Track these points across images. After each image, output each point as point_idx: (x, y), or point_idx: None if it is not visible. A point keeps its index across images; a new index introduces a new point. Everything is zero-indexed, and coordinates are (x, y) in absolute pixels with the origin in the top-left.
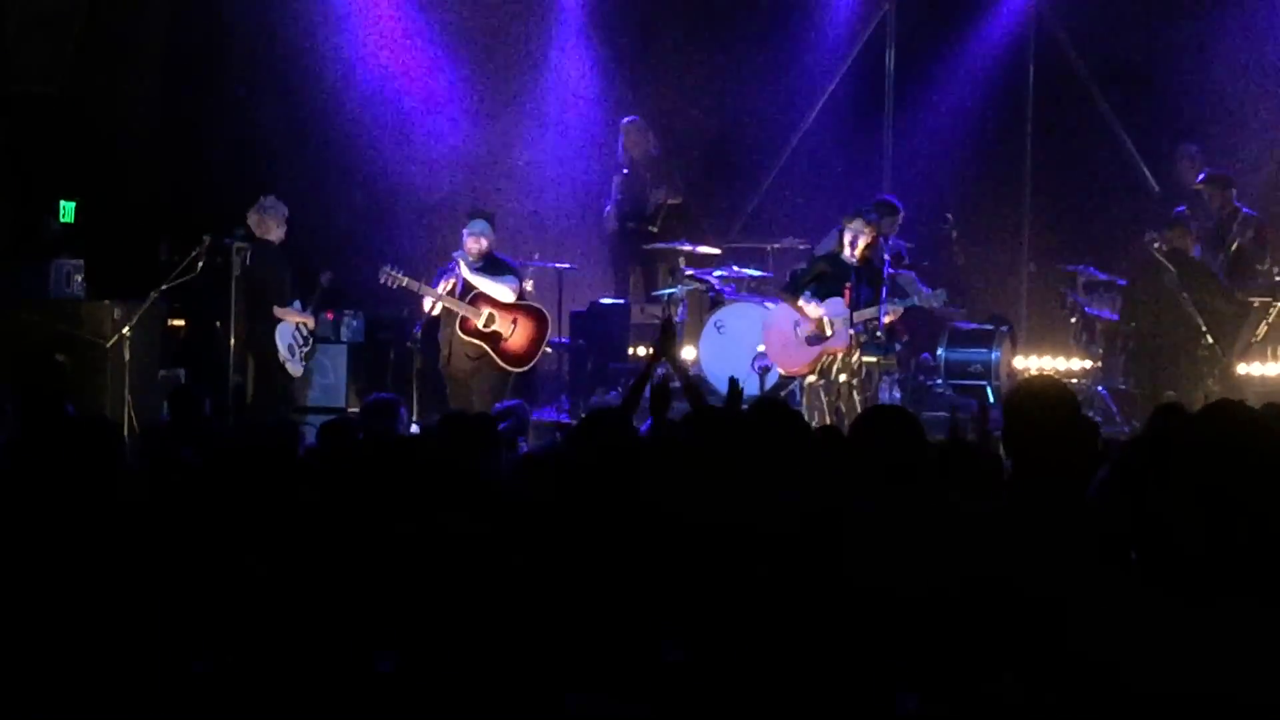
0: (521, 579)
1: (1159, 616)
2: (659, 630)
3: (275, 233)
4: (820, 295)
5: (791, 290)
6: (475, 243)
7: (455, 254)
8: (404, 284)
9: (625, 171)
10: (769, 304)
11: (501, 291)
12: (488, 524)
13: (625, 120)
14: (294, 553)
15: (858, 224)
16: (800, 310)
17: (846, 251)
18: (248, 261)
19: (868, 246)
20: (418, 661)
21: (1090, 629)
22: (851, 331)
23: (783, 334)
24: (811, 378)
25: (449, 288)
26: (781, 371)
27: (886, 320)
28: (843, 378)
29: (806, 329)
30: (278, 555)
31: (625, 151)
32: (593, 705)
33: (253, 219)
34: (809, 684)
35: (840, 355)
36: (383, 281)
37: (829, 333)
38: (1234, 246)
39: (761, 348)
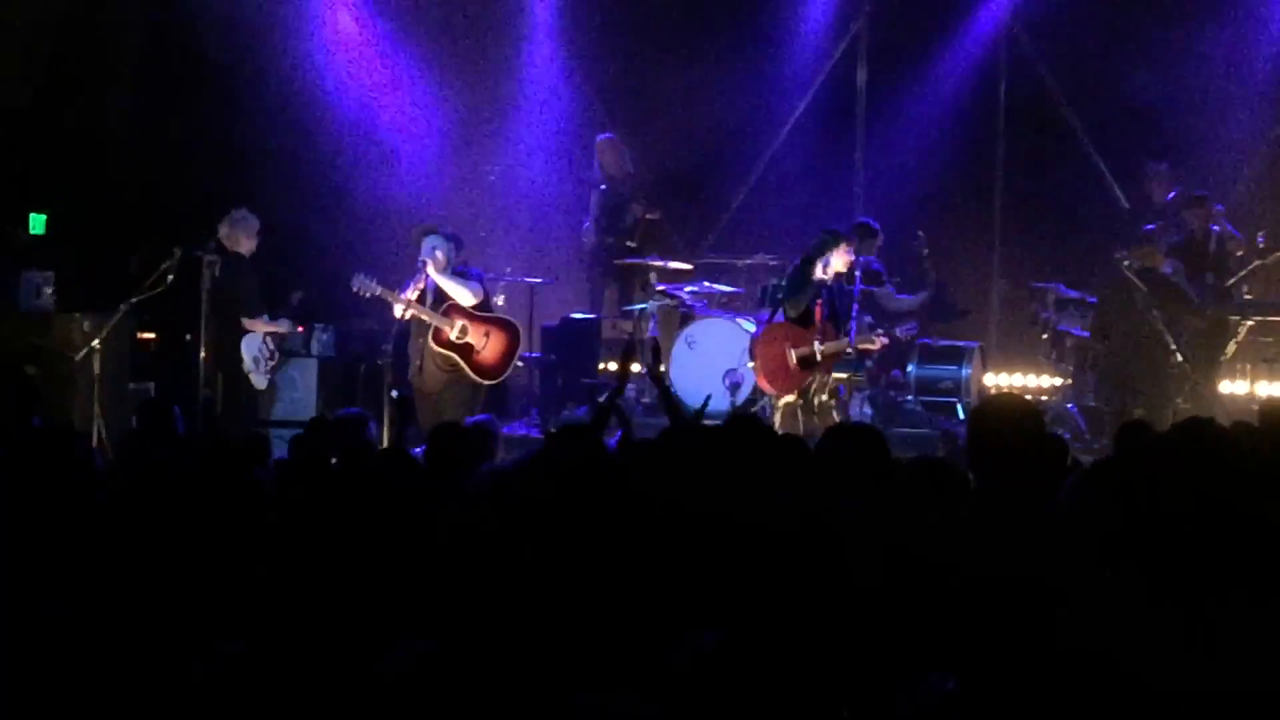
0: (509, 585)
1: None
2: (657, 631)
3: (245, 245)
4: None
5: (770, 310)
6: (432, 262)
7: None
8: (376, 292)
9: (603, 188)
10: (740, 320)
11: (463, 294)
12: (468, 533)
13: (600, 137)
14: (270, 562)
15: (840, 247)
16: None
17: (818, 271)
18: (216, 274)
19: (844, 269)
20: (408, 670)
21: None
22: (838, 352)
23: (776, 355)
24: (789, 397)
25: (417, 293)
26: (772, 393)
27: (861, 347)
28: (822, 398)
29: (801, 353)
30: (251, 564)
31: (602, 168)
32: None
33: (223, 231)
34: (816, 673)
35: (818, 376)
36: (355, 289)
37: (819, 358)
38: (1218, 262)
39: (753, 365)
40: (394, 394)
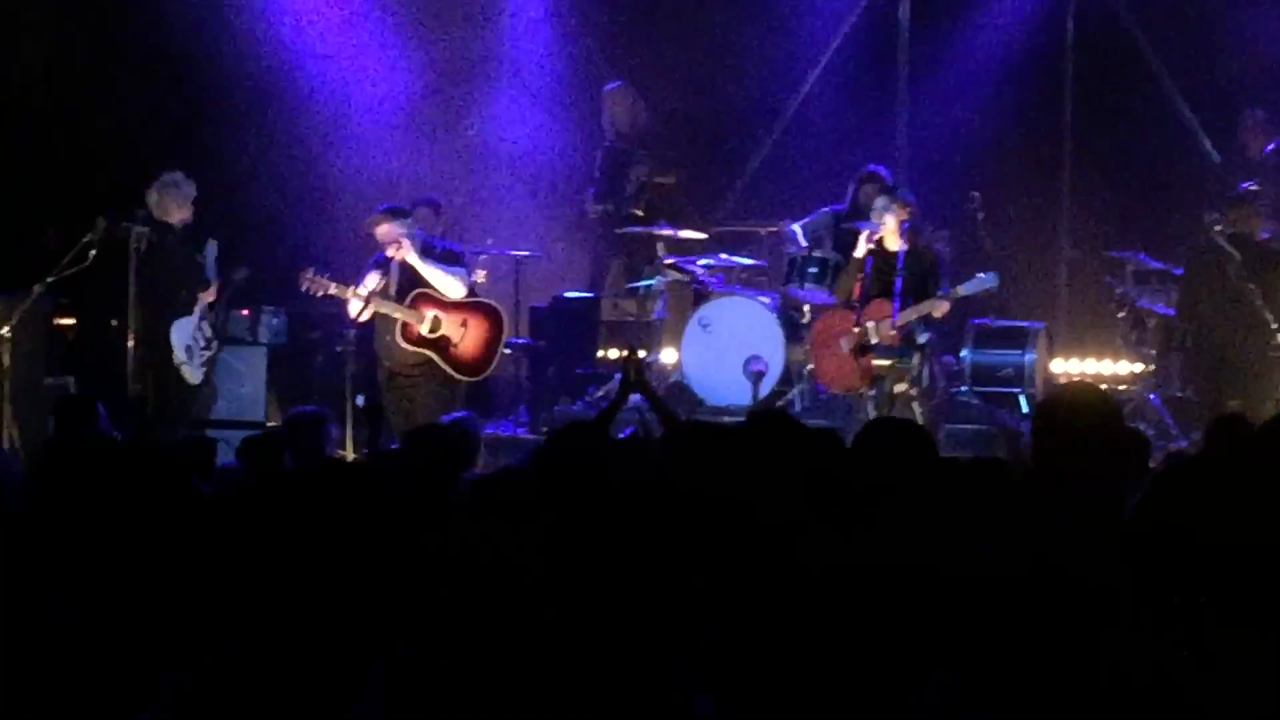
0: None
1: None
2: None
3: (177, 215)
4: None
5: (800, 285)
6: (396, 250)
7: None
8: (330, 290)
9: (606, 145)
10: (762, 298)
11: (451, 285)
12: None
13: (609, 86)
14: (212, 590)
15: (884, 201)
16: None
17: (891, 241)
18: (141, 249)
19: (898, 231)
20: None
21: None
22: (898, 330)
23: (832, 350)
24: (864, 389)
25: (381, 286)
26: (842, 392)
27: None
28: (899, 387)
29: (852, 339)
30: (189, 592)
31: (611, 123)
32: None
33: (151, 198)
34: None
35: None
36: (304, 289)
37: (874, 340)
38: None
39: (810, 369)
40: (359, 400)
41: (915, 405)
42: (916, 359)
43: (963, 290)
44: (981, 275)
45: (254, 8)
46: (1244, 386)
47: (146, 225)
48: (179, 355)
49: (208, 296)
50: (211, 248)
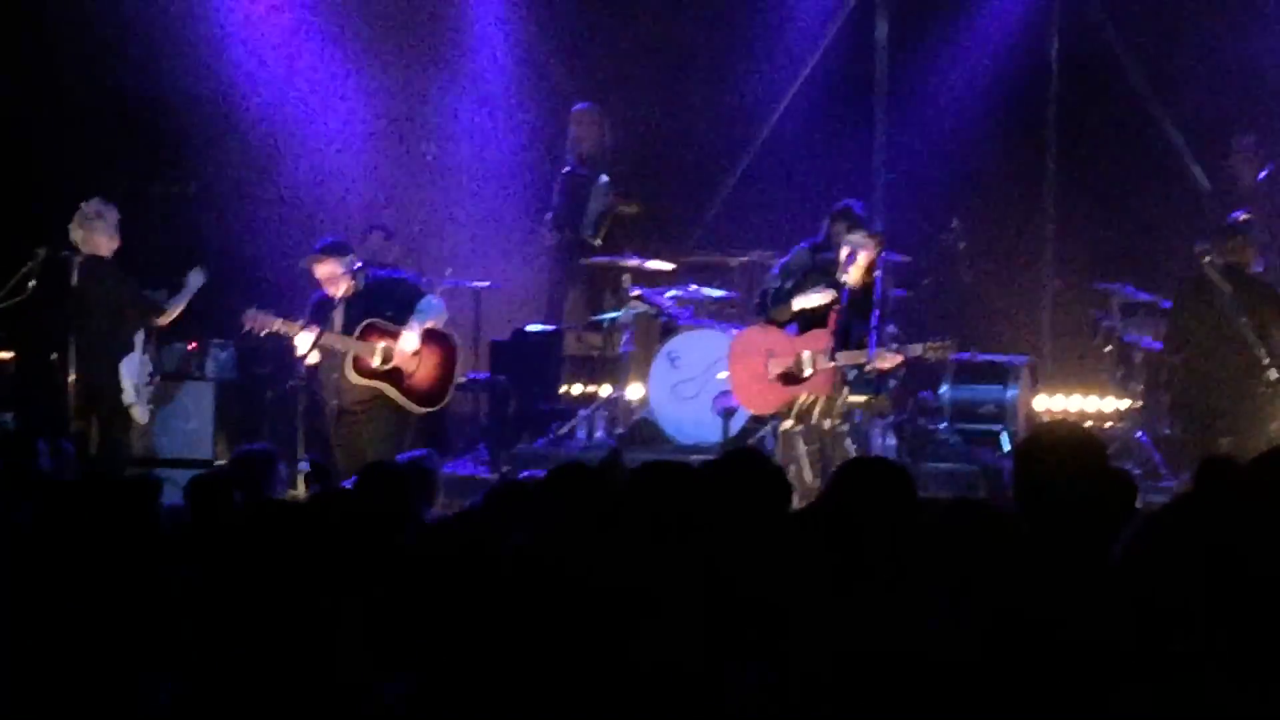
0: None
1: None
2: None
3: (106, 246)
4: (801, 325)
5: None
6: (334, 285)
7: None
8: (274, 328)
9: (566, 170)
10: (734, 331)
11: (440, 318)
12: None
13: (577, 107)
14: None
15: (858, 238)
16: (768, 344)
17: (843, 271)
18: (74, 281)
19: (869, 268)
20: None
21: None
22: (835, 367)
23: (751, 365)
24: (787, 423)
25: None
26: (750, 411)
27: (879, 365)
28: (827, 423)
29: (782, 364)
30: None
31: (574, 145)
32: None
33: (77, 235)
34: None
35: (822, 397)
36: (247, 328)
37: (806, 372)
38: None
39: (723, 375)
40: (303, 465)
41: (848, 443)
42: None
43: (920, 350)
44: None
45: (203, 30)
46: (1234, 424)
47: (77, 260)
48: (129, 396)
49: (163, 320)
50: (196, 277)
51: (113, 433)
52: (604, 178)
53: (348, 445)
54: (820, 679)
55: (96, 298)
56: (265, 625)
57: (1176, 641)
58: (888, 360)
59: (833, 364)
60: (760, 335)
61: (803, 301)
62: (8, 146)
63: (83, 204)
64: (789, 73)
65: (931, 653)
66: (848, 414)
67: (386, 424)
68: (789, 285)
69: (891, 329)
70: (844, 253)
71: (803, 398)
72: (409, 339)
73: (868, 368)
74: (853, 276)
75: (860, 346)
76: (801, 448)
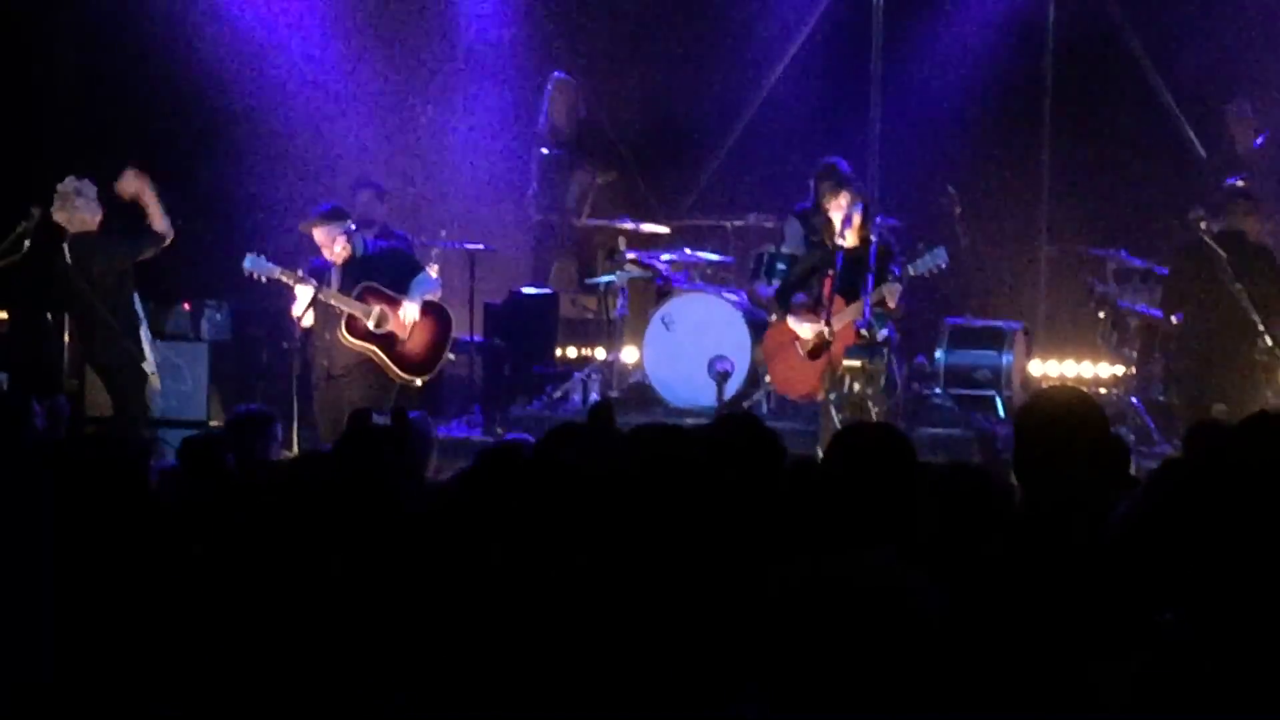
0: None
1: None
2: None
3: (92, 221)
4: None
5: (768, 282)
6: (330, 250)
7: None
8: (275, 275)
9: (544, 152)
10: (728, 295)
11: (435, 290)
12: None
13: (554, 75)
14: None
15: (845, 198)
16: (792, 330)
17: (839, 236)
18: (68, 259)
19: (863, 225)
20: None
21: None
22: (850, 324)
23: (786, 357)
24: (822, 394)
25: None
26: (798, 399)
27: (888, 301)
28: (856, 387)
29: (807, 342)
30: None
31: (547, 116)
32: None
33: (60, 217)
34: None
35: (856, 368)
36: (248, 273)
37: (830, 337)
38: None
39: (769, 381)
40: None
41: (870, 405)
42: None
43: (913, 270)
44: (930, 253)
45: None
46: (1229, 390)
47: (66, 242)
48: (150, 365)
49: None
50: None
51: (129, 399)
52: (584, 165)
53: (332, 407)
54: (794, 632)
55: (98, 272)
56: (262, 589)
57: (1166, 608)
58: (892, 294)
59: (847, 319)
60: (782, 327)
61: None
62: (4, 109)
63: (59, 185)
64: (785, 36)
65: (912, 614)
66: (875, 374)
67: (370, 389)
68: (786, 249)
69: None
70: (837, 219)
71: (839, 367)
72: (410, 309)
73: (890, 301)
74: (848, 239)
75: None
76: (835, 418)
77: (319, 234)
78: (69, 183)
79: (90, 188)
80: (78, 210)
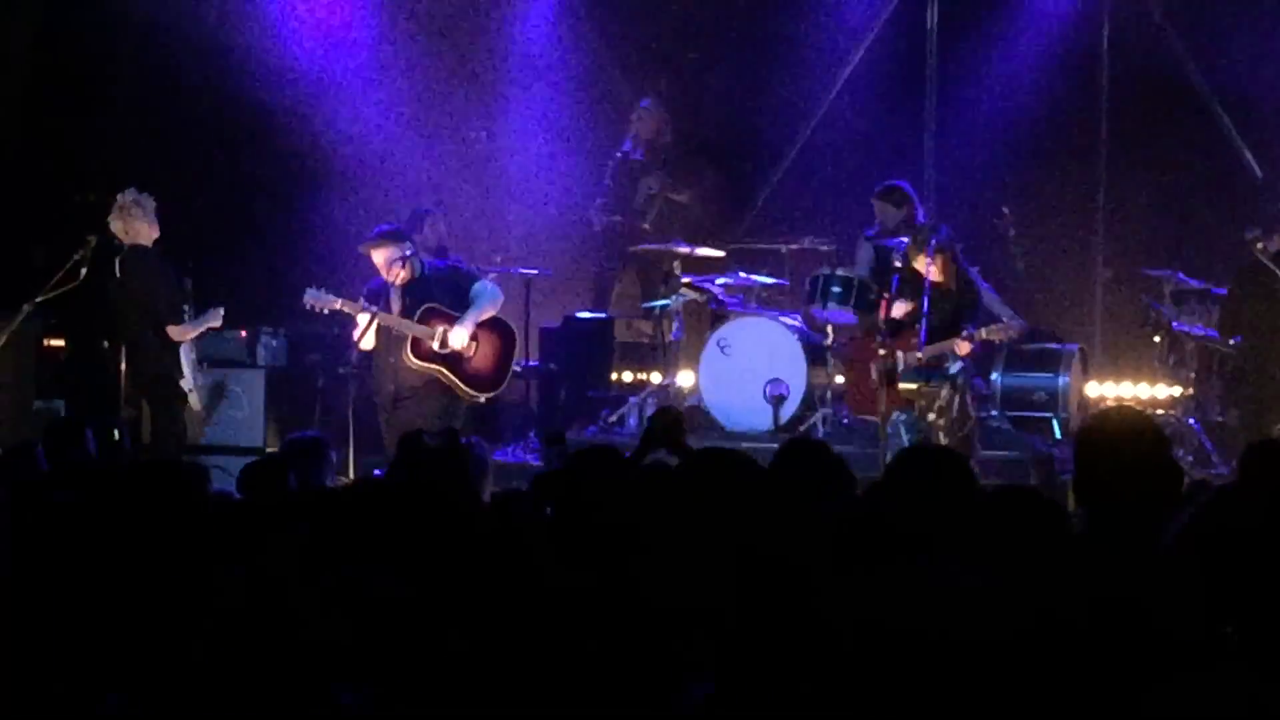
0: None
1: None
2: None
3: (146, 234)
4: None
5: (824, 305)
6: (390, 271)
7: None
8: (335, 306)
9: (619, 155)
10: (784, 319)
11: (497, 304)
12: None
13: (642, 104)
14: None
15: (923, 260)
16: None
17: (925, 274)
18: (118, 273)
19: (946, 262)
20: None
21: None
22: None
23: (864, 374)
24: (895, 414)
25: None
26: (862, 415)
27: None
28: (930, 417)
29: (879, 367)
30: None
31: (634, 138)
32: None
33: (116, 226)
34: None
35: (933, 398)
36: (308, 307)
37: (901, 367)
38: None
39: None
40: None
41: (941, 435)
42: (947, 388)
43: (984, 334)
44: (1009, 321)
45: (250, 14)
46: None
47: (120, 256)
48: (188, 382)
49: (178, 336)
50: (214, 316)
51: (167, 420)
52: (657, 170)
53: (400, 429)
54: (842, 647)
55: (142, 288)
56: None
57: (1222, 629)
58: (961, 347)
59: (919, 358)
60: (862, 343)
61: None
62: (60, 138)
63: (119, 195)
64: (840, 60)
65: (962, 631)
66: (945, 408)
67: (438, 409)
68: (841, 271)
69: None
70: (921, 262)
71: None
72: (459, 335)
73: (960, 351)
74: (934, 274)
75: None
76: (904, 437)
77: (378, 255)
78: (130, 194)
79: (150, 201)
80: (133, 219)
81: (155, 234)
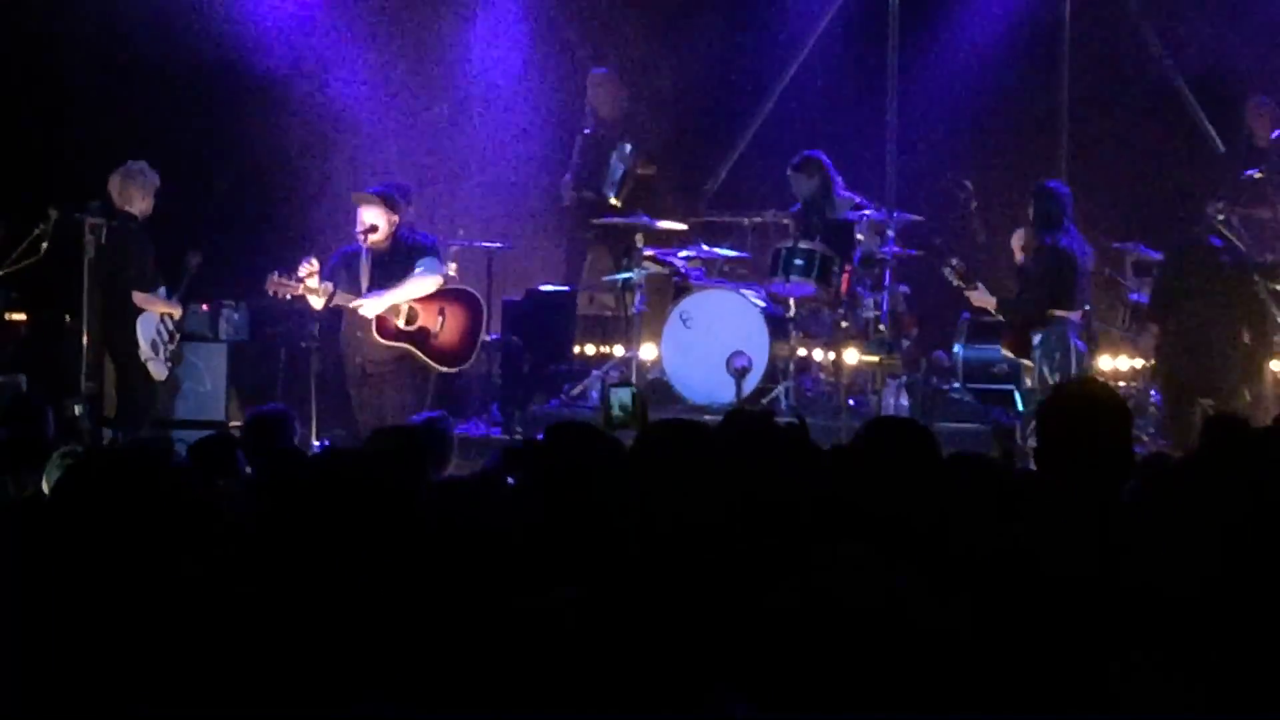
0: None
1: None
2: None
3: (139, 204)
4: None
5: (785, 278)
6: (372, 233)
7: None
8: (298, 292)
9: (586, 131)
10: (746, 291)
11: (425, 286)
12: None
13: (595, 71)
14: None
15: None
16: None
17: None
18: (103, 240)
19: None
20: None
21: None
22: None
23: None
24: None
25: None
26: None
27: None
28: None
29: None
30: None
31: (593, 110)
32: None
33: (114, 184)
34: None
35: None
36: (271, 293)
37: None
38: None
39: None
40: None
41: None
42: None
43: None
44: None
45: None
46: (1213, 391)
47: (104, 215)
48: (145, 350)
49: (157, 305)
50: (193, 258)
51: (131, 392)
52: (628, 145)
53: (371, 406)
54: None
55: (119, 255)
56: (277, 585)
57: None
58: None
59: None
60: None
61: None
62: (20, 113)
63: (130, 161)
64: (801, 32)
65: (914, 606)
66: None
67: (409, 385)
68: (803, 244)
69: (904, 289)
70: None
71: None
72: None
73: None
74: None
75: None
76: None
77: (367, 211)
78: (140, 163)
79: (154, 178)
80: (133, 184)
81: (146, 207)
